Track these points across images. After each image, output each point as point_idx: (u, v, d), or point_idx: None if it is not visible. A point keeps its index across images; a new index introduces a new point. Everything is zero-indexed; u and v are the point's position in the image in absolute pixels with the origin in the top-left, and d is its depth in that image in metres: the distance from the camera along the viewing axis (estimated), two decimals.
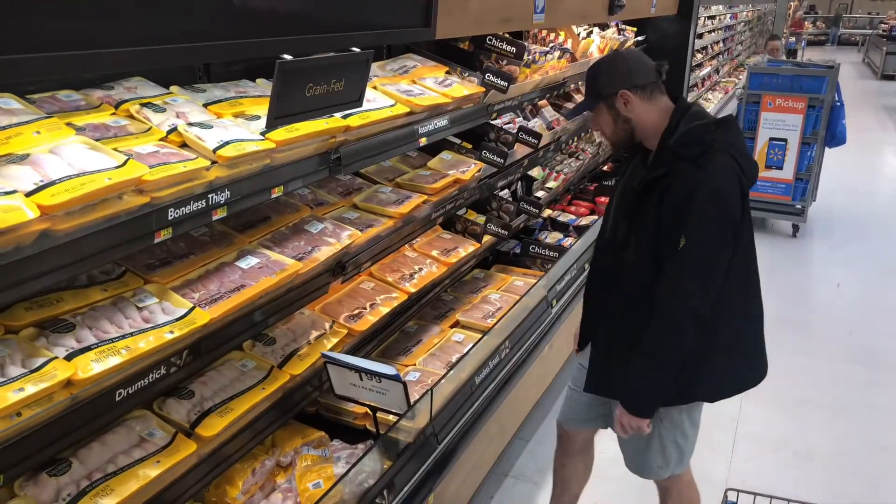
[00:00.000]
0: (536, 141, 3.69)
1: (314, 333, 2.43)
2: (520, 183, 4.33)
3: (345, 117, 2.20)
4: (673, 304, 2.03)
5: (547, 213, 4.77)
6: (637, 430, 2.17)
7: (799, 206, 6.58)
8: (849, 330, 4.83)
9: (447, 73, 3.08)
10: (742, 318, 2.21)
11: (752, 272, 2.20)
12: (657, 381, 2.09)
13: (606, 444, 2.66)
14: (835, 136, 6.50)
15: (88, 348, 1.56)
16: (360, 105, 2.10)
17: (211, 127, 1.87)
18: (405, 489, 2.30)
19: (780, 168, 6.54)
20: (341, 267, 2.40)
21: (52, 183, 1.41)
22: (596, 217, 4.82)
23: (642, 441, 2.32)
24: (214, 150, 1.76)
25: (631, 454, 2.43)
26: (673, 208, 2.00)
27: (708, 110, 9.87)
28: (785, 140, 6.46)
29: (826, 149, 6.68)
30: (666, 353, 2.06)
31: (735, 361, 2.23)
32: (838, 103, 6.48)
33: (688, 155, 2.01)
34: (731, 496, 2.07)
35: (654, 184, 2.05)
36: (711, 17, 10.47)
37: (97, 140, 1.65)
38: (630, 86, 2.12)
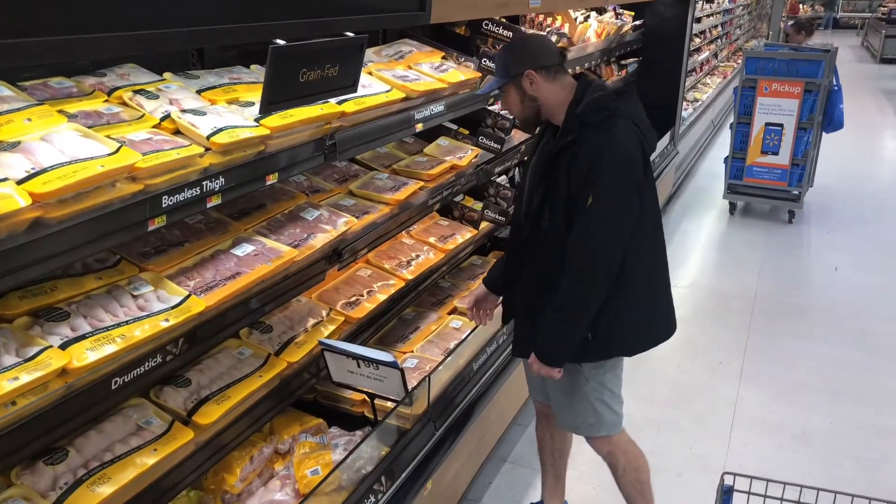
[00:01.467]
0: None
1: (311, 321, 2.43)
2: (517, 169, 4.31)
3: (340, 103, 2.19)
4: (583, 260, 2.15)
5: None
6: (548, 376, 2.29)
7: (795, 192, 6.54)
8: (846, 314, 4.83)
9: (443, 58, 3.06)
10: (653, 274, 2.35)
11: (659, 232, 2.34)
12: (567, 333, 2.22)
13: None
14: (832, 121, 6.45)
15: (83, 337, 1.56)
16: (355, 90, 2.09)
17: (204, 114, 1.85)
18: (403, 475, 2.30)
19: (777, 153, 6.48)
20: (338, 254, 2.39)
21: (43, 170, 1.40)
22: None
23: (572, 403, 2.43)
24: (208, 137, 1.75)
25: (563, 417, 2.51)
26: (581, 171, 2.12)
27: (706, 95, 9.72)
28: (781, 125, 6.40)
29: (824, 133, 6.65)
30: (576, 307, 2.18)
31: (649, 315, 2.36)
32: (836, 87, 6.43)
33: (592, 121, 2.14)
34: (728, 480, 2.07)
35: (563, 150, 2.18)
36: (710, 1, 10.39)
37: (89, 127, 1.64)
38: (536, 66, 2.23)
